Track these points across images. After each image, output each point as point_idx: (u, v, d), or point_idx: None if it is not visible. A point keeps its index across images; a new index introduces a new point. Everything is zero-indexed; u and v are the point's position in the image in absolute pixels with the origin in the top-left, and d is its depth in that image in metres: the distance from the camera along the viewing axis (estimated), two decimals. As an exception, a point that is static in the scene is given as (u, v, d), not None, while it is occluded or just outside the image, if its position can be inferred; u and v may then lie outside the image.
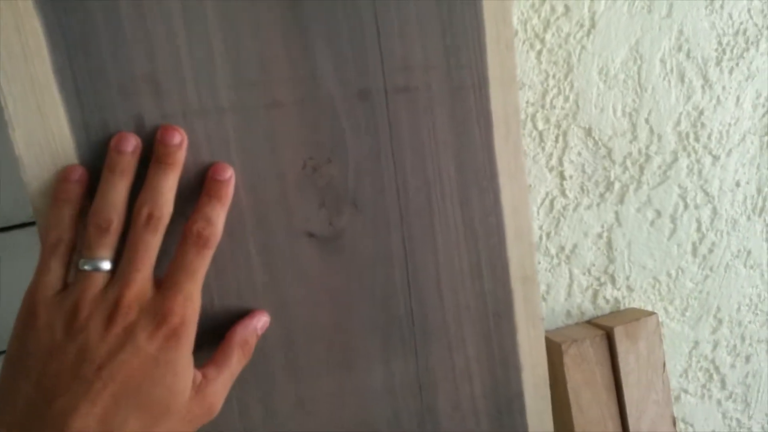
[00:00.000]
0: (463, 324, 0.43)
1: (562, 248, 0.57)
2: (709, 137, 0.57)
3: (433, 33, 0.39)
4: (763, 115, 0.58)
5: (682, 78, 0.55)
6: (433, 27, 0.39)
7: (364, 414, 0.42)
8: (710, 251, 0.59)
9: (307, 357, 0.40)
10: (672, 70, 0.55)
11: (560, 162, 0.55)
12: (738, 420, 0.65)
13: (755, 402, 0.64)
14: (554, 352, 0.56)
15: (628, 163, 0.56)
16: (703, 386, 0.63)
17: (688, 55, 0.55)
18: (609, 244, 0.57)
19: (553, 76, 0.53)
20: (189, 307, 0.32)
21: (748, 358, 0.63)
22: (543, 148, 0.54)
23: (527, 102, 0.53)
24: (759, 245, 0.60)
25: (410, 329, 0.42)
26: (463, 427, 0.44)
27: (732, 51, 0.56)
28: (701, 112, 0.56)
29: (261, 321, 0.37)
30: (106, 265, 0.32)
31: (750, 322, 0.62)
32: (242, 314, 0.38)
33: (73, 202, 0.33)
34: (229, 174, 0.35)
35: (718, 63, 0.55)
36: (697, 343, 0.62)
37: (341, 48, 0.38)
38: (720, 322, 0.62)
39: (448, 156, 0.41)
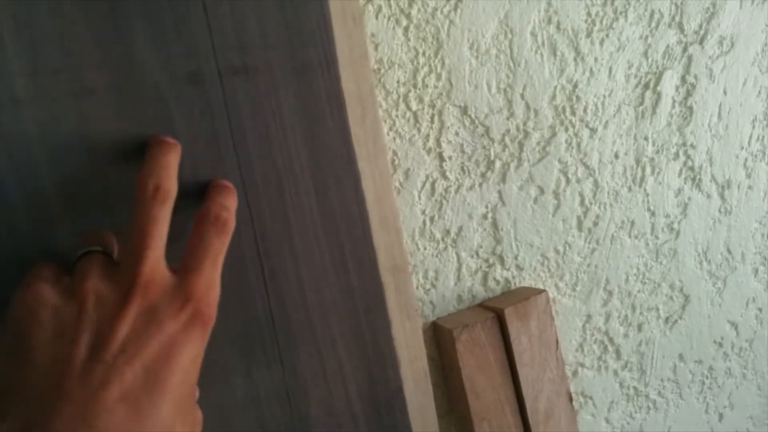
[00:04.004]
0: (331, 323, 0.40)
1: (448, 232, 0.55)
2: (585, 110, 0.56)
3: (270, 8, 0.36)
4: (636, 86, 0.58)
5: (554, 51, 0.54)
6: (270, 1, 0.35)
7: (227, 429, 0.38)
8: (595, 224, 0.59)
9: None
10: (543, 43, 0.54)
11: (438, 143, 0.53)
12: (635, 388, 0.66)
13: (650, 369, 0.66)
14: (446, 339, 0.55)
15: (507, 140, 0.55)
16: (599, 358, 0.63)
17: (558, 28, 0.54)
18: (494, 224, 0.56)
19: (423, 54, 0.51)
20: (211, 294, 0.29)
21: (640, 327, 0.64)
22: (419, 130, 0.52)
23: (398, 82, 0.50)
24: (641, 215, 0.61)
25: (272, 334, 0.38)
26: None
27: (601, 22, 0.55)
28: (575, 85, 0.56)
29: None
30: (107, 250, 0.29)
31: (639, 291, 0.63)
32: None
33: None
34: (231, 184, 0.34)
35: (589, 34, 0.55)
36: (589, 316, 0.62)
37: (163, 27, 0.34)
38: (610, 293, 0.62)
39: (299, 142, 0.37)
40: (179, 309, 0.28)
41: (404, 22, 0.49)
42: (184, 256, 0.30)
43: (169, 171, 0.31)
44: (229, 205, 0.32)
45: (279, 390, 0.39)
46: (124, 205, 0.34)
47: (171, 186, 0.30)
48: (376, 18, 0.49)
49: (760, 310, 0.69)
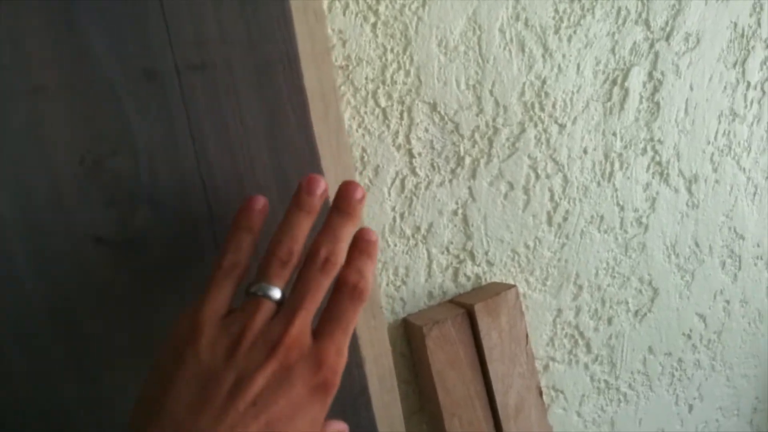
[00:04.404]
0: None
1: (418, 228, 0.55)
2: (553, 106, 0.57)
3: (228, 4, 0.35)
4: (604, 82, 0.58)
5: (522, 47, 0.54)
6: (229, -4, 0.35)
7: None
8: (565, 219, 0.60)
9: (111, 378, 0.35)
10: (512, 39, 0.54)
11: (407, 139, 0.53)
12: (606, 381, 0.66)
13: (620, 362, 0.66)
14: (416, 335, 0.55)
15: (477, 136, 0.55)
16: (570, 352, 0.64)
17: (526, 24, 0.54)
18: (465, 220, 0.56)
19: (392, 50, 0.50)
20: (340, 361, 0.31)
21: (610, 321, 0.65)
22: (388, 126, 0.52)
23: (366, 78, 0.50)
24: (611, 210, 0.62)
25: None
26: None
27: (569, 18, 0.55)
28: (544, 82, 0.56)
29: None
30: (277, 294, 0.31)
31: (608, 285, 0.64)
32: (19, 336, 0.32)
33: (254, 231, 0.33)
34: (376, 237, 0.35)
35: (557, 31, 0.55)
36: (560, 310, 0.62)
37: (117, 22, 0.33)
38: (580, 288, 0.62)
39: (260, 140, 0.37)
40: (311, 374, 0.30)
41: (372, 19, 0.49)
42: (320, 320, 0.32)
43: (342, 243, 0.33)
44: (366, 270, 0.34)
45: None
46: (81, 204, 0.33)
47: (339, 259, 0.33)
48: (344, 14, 0.48)
49: (728, 302, 0.70)
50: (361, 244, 0.35)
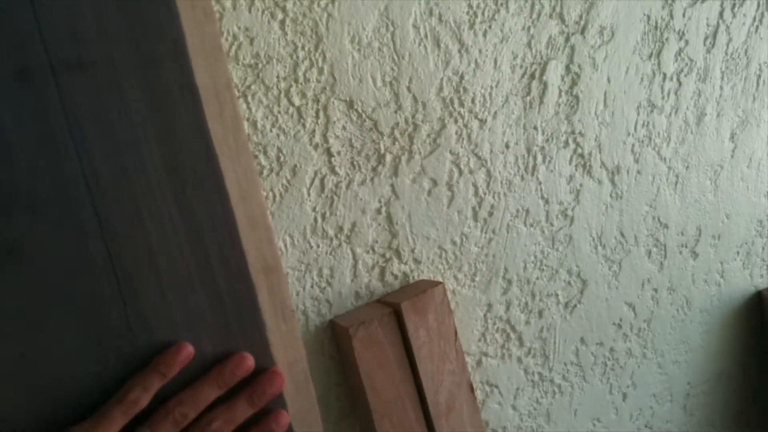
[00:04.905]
0: (200, 334, 0.38)
1: (341, 228, 0.54)
2: (473, 101, 0.57)
3: (107, -2, 0.33)
4: (522, 76, 0.59)
5: (437, 43, 0.54)
6: (108, -9, 0.33)
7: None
8: (490, 214, 0.60)
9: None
10: (426, 35, 0.53)
11: (325, 138, 0.52)
12: (540, 374, 0.67)
13: (553, 353, 0.67)
14: (343, 337, 0.54)
15: (397, 133, 0.54)
16: (502, 347, 0.64)
17: (440, 19, 0.54)
18: (389, 218, 0.56)
19: (303, 48, 0.49)
20: None
21: (540, 313, 0.65)
22: (303, 125, 0.51)
23: (278, 77, 0.49)
24: (535, 203, 0.62)
25: (132, 345, 0.36)
26: (218, 442, 0.39)
27: (483, 13, 0.55)
28: (462, 77, 0.56)
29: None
30: None
31: (537, 278, 0.64)
32: None
33: (167, 377, 0.35)
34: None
35: (472, 26, 0.55)
36: (490, 305, 0.62)
37: (-19, 19, 0.31)
38: (509, 282, 0.63)
39: (150, 140, 0.35)
40: None
41: (280, 16, 0.48)
42: None
43: (233, 426, 0.37)
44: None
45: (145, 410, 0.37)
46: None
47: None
48: (249, 11, 0.47)
49: (656, 290, 0.72)
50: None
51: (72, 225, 0.34)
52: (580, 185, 0.64)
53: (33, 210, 0.33)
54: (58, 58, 0.33)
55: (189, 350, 0.37)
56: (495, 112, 0.58)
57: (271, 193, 0.50)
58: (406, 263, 0.57)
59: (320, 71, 0.50)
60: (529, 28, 0.57)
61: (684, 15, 0.65)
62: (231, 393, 0.38)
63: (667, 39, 0.65)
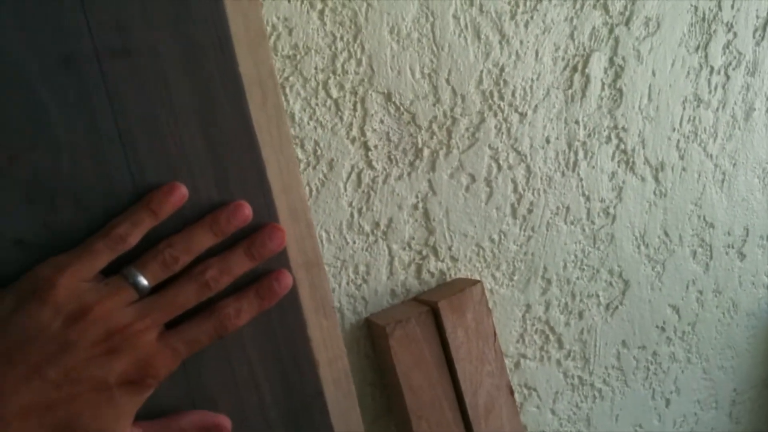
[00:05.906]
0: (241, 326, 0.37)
1: (377, 224, 0.53)
2: (513, 95, 0.55)
3: (152, -16, 0.33)
4: (564, 69, 0.57)
5: (478, 34, 0.53)
6: (152, -22, 0.33)
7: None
8: (530, 211, 0.58)
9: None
10: (467, 26, 0.52)
11: (362, 132, 0.51)
12: (579, 377, 0.65)
13: (593, 357, 0.65)
14: (380, 335, 0.53)
15: (435, 127, 0.53)
16: (541, 348, 0.62)
17: (481, 10, 0.52)
18: (426, 214, 0.54)
19: (341, 38, 0.49)
20: (167, 366, 0.32)
21: (581, 315, 0.63)
22: (341, 118, 0.50)
23: (316, 68, 0.48)
24: (576, 200, 0.60)
25: (172, 337, 0.35)
26: (257, 440, 0.38)
27: (525, 4, 0.54)
28: (502, 69, 0.54)
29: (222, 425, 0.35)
30: (145, 289, 0.31)
31: (578, 278, 0.62)
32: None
33: (159, 217, 0.32)
34: (286, 285, 0.37)
35: (513, 17, 0.54)
36: (529, 306, 0.60)
37: (27, 5, 0.30)
38: (549, 282, 0.61)
39: (193, 129, 0.35)
40: (134, 369, 0.32)
41: (319, 6, 0.47)
42: (176, 328, 0.33)
43: (230, 278, 0.34)
44: (246, 314, 0.35)
45: (183, 404, 0.36)
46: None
47: (220, 287, 0.33)
48: (289, 1, 0.47)
49: (701, 292, 0.69)
50: (262, 290, 0.35)
51: (116, 214, 0.33)
52: (623, 182, 0.62)
53: (76, 200, 0.32)
54: (103, 45, 0.32)
55: (183, 191, 0.33)
56: (536, 106, 0.56)
57: (308, 188, 0.50)
58: (443, 261, 0.56)
59: (358, 63, 0.49)
60: (571, 18, 0.56)
61: (733, 6, 0.63)
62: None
63: (714, 31, 0.62)
